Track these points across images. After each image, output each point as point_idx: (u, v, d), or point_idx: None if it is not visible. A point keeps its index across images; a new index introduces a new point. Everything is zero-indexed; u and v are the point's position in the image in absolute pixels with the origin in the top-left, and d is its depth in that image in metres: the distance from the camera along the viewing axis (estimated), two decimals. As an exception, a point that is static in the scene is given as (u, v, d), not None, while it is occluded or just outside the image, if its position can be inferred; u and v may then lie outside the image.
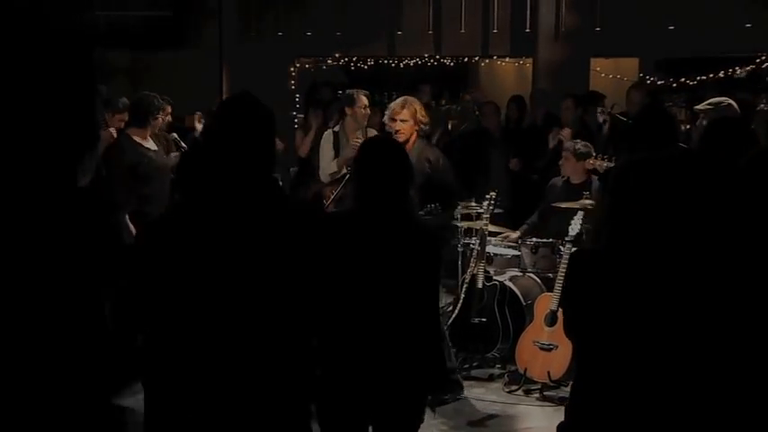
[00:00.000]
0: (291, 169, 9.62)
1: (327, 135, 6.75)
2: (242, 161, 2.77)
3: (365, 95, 6.61)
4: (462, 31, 11.37)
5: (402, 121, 5.56)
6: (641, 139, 3.63)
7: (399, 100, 5.68)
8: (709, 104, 5.19)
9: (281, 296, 2.74)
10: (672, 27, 10.76)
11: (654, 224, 2.34)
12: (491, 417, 5.68)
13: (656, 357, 2.35)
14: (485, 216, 6.46)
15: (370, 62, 12.61)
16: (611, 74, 12.14)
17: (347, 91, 6.85)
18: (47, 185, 2.96)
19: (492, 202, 6.47)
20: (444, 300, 8.08)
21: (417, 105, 5.68)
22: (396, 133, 5.51)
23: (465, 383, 6.21)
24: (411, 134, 5.61)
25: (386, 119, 5.66)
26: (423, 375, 3.26)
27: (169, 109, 6.75)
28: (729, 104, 5.12)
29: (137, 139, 6.17)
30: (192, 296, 2.72)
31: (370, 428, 3.29)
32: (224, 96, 10.77)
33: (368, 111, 6.61)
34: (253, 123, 2.81)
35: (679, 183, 2.35)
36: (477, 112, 9.32)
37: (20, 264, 2.90)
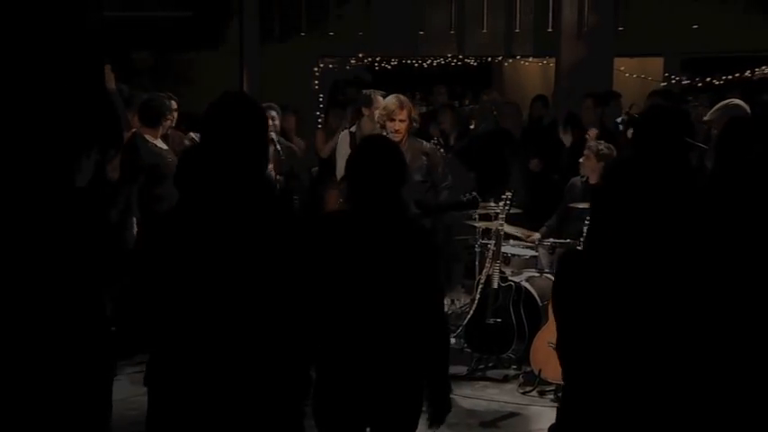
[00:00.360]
0: (313, 169, 9.65)
1: (344, 135, 6.77)
2: (231, 161, 2.78)
3: (382, 96, 6.62)
4: (484, 30, 11.36)
5: (401, 121, 5.62)
6: (644, 138, 3.59)
7: (394, 99, 5.68)
8: (714, 111, 5.10)
9: (274, 293, 2.76)
10: (696, 26, 10.67)
11: (626, 225, 2.35)
12: (504, 417, 5.67)
13: (638, 357, 2.35)
14: (500, 216, 6.45)
15: (394, 62, 12.62)
16: (636, 73, 12.07)
17: (364, 92, 6.87)
18: (42, 185, 3.01)
19: (507, 202, 6.46)
20: (462, 300, 8.14)
21: (410, 104, 5.76)
22: (394, 133, 5.56)
23: (480, 384, 6.23)
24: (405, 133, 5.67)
25: (379, 118, 5.67)
26: (421, 377, 3.25)
27: (174, 105, 6.77)
28: (736, 105, 5.04)
29: (149, 138, 6.22)
30: (188, 295, 2.75)
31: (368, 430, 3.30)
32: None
33: (385, 111, 6.62)
34: (239, 123, 2.81)
35: (650, 185, 2.34)
36: (494, 113, 9.29)
37: (15, 263, 2.95)
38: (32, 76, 3.01)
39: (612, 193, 2.36)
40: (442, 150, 8.23)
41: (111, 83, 6.63)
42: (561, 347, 2.50)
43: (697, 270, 2.40)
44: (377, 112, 5.75)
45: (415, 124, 5.82)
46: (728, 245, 3.00)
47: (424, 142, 5.96)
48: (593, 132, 7.41)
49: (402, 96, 5.78)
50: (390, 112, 5.62)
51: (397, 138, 5.55)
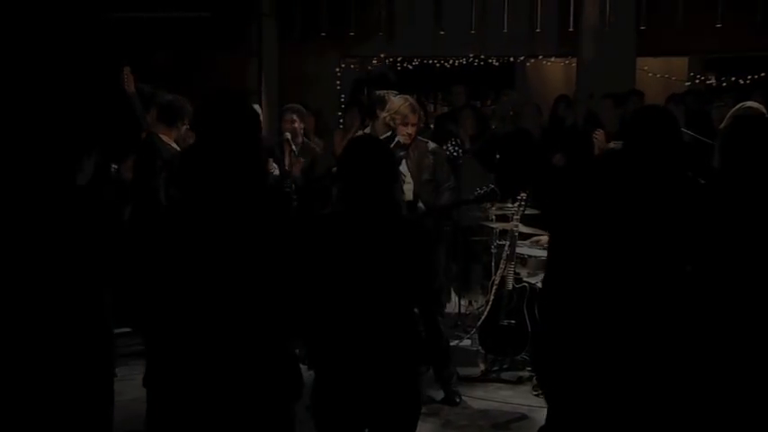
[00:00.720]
0: (334, 169, 9.65)
1: (359, 136, 6.76)
2: (219, 158, 2.81)
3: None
4: (505, 30, 11.29)
5: (413, 125, 5.63)
6: (629, 139, 3.54)
7: (405, 103, 5.65)
8: (727, 119, 5.02)
9: (265, 292, 2.78)
10: (719, 25, 10.54)
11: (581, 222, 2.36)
12: (517, 419, 5.65)
13: (628, 357, 2.36)
14: (515, 218, 6.43)
15: (416, 62, 12.57)
16: (660, 73, 11.96)
17: (377, 92, 6.86)
18: (42, 183, 3.06)
19: (522, 203, 6.43)
20: (480, 301, 8.12)
21: (418, 105, 5.77)
22: (406, 137, 5.59)
23: (493, 386, 6.22)
24: None
25: (391, 121, 5.66)
26: (419, 376, 3.26)
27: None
28: (748, 107, 4.97)
29: (165, 138, 6.24)
30: (180, 293, 2.78)
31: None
32: (262, 98, 10.86)
33: (398, 112, 6.59)
34: (225, 121, 2.85)
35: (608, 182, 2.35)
36: (511, 113, 9.24)
37: (13, 261, 2.99)
38: (35, 76, 3.08)
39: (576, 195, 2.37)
40: (460, 151, 8.22)
41: (130, 85, 6.67)
42: (547, 353, 2.50)
43: (678, 273, 2.39)
44: (386, 115, 5.74)
45: (422, 125, 5.85)
46: (729, 245, 2.97)
47: (429, 142, 5.96)
48: (600, 134, 7.33)
49: (411, 98, 5.78)
50: (404, 116, 5.63)
51: (408, 141, 5.60)
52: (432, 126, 10.02)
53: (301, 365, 3.03)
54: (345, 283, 3.14)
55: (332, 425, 3.27)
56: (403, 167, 5.73)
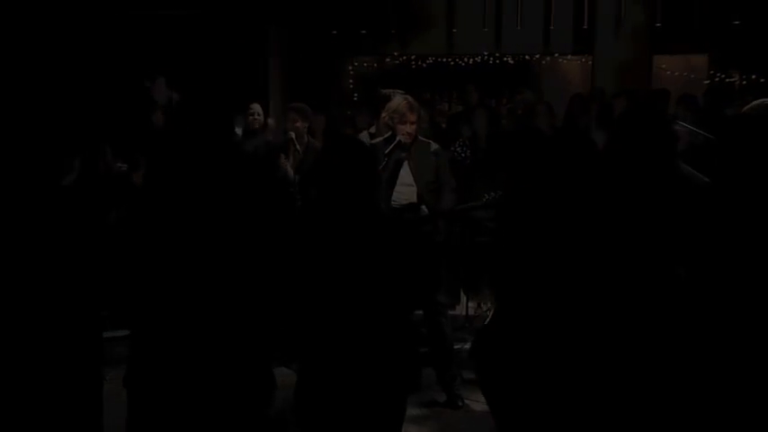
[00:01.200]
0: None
1: (363, 137, 6.69)
2: (197, 154, 2.82)
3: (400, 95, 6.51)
4: (519, 28, 11.19)
5: (411, 123, 5.55)
6: (618, 140, 3.45)
7: (404, 102, 5.58)
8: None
9: (244, 291, 2.77)
10: (737, 22, 10.39)
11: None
12: (519, 425, 5.55)
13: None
14: (519, 218, 6.32)
15: (430, 61, 12.47)
16: (680, 71, 11.80)
17: (383, 91, 6.77)
18: (26, 184, 3.05)
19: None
20: (489, 304, 8.01)
21: (418, 104, 5.71)
22: (406, 136, 5.51)
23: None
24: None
25: (389, 120, 5.59)
26: (402, 375, 3.20)
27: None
28: (752, 107, 4.79)
29: None
30: (159, 292, 2.78)
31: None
32: (270, 96, 10.81)
33: (404, 111, 6.51)
34: (200, 118, 2.82)
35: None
36: (519, 112, 9.14)
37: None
38: (23, 77, 3.12)
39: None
40: (468, 152, 8.12)
41: (161, 96, 6.61)
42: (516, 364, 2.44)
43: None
44: (385, 114, 5.66)
45: (422, 124, 5.78)
46: (723, 247, 2.88)
47: (432, 142, 5.87)
48: None
49: (410, 97, 5.71)
50: (402, 115, 5.55)
51: (409, 140, 5.52)
52: (444, 126, 9.93)
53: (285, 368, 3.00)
54: (325, 284, 3.07)
55: (316, 426, 3.21)
56: (404, 169, 5.65)
